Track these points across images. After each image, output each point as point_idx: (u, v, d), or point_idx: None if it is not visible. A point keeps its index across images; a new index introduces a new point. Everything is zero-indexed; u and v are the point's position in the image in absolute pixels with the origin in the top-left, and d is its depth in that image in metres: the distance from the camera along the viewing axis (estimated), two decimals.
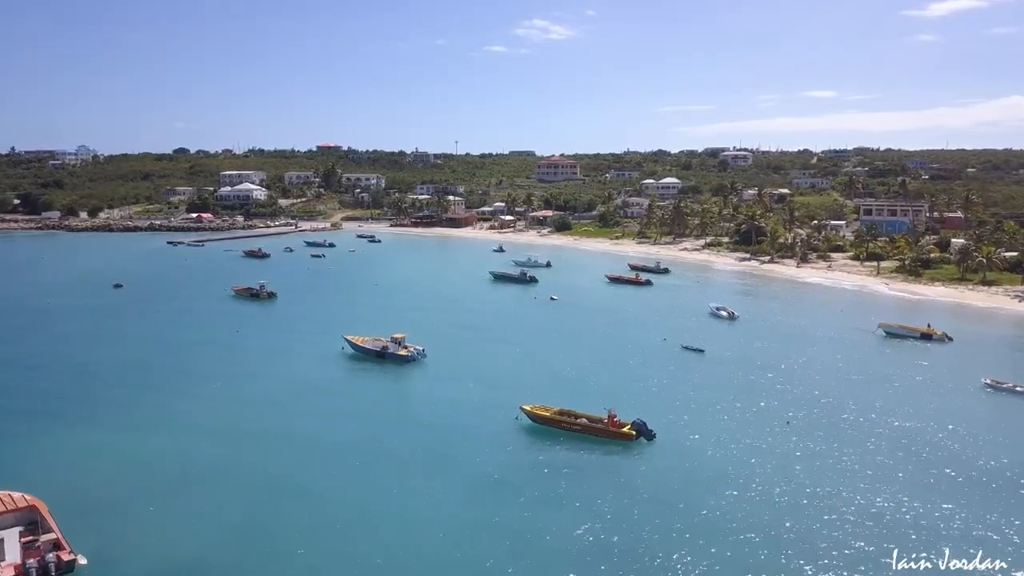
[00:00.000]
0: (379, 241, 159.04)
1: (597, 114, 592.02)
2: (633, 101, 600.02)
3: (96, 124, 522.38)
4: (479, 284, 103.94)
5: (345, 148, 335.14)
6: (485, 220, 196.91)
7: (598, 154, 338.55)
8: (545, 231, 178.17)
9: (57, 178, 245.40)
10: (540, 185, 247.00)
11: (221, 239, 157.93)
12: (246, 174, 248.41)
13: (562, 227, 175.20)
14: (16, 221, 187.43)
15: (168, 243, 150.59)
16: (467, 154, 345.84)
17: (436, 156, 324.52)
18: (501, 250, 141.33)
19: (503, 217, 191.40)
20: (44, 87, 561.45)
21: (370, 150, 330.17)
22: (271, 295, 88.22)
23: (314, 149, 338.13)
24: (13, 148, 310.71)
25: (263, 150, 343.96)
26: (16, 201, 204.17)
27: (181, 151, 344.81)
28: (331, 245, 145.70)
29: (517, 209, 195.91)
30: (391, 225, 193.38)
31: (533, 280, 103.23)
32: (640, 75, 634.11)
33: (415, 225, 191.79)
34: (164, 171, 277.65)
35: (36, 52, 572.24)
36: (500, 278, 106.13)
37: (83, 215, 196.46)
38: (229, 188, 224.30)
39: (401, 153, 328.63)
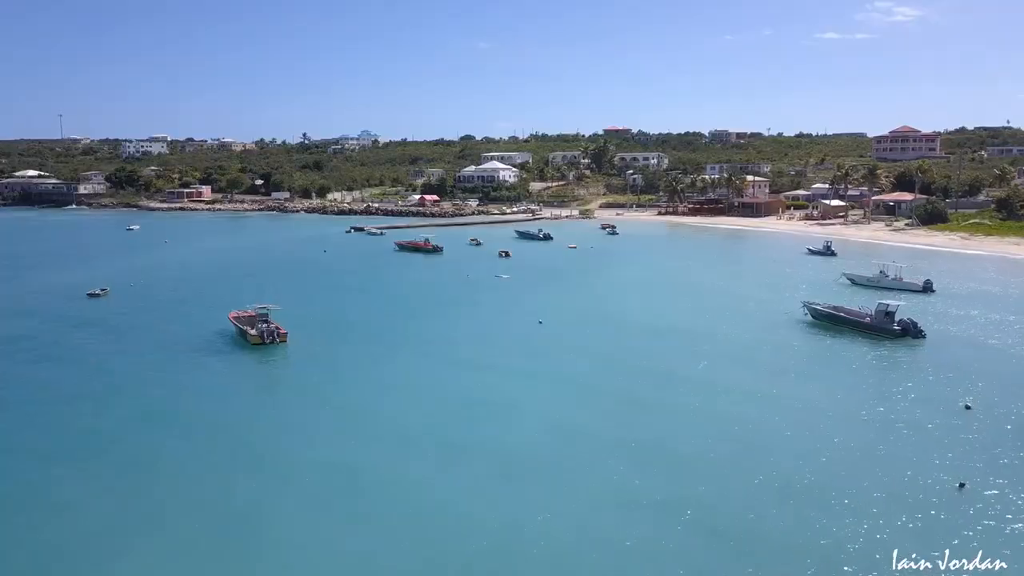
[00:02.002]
0: (617, 233, 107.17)
1: (951, 88, 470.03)
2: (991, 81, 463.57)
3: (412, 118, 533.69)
4: (781, 333, 47.95)
5: (635, 131, 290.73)
6: (798, 207, 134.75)
7: (963, 128, 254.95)
8: (901, 223, 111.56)
9: (319, 160, 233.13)
10: (882, 164, 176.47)
11: (410, 227, 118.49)
12: (508, 155, 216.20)
13: (932, 218, 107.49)
14: (242, 201, 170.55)
15: (353, 228, 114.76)
16: (780, 134, 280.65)
17: (739, 135, 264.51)
18: (829, 252, 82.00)
19: (826, 202, 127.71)
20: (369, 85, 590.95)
21: (663, 132, 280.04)
22: (277, 337, 42.53)
23: (600, 132, 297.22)
24: (304, 135, 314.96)
25: (545, 135, 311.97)
26: (259, 182, 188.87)
27: (467, 138, 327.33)
28: (547, 237, 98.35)
29: (851, 192, 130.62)
30: (659, 213, 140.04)
31: (911, 331, 44.28)
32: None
33: (693, 212, 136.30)
34: (433, 155, 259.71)
35: (355, 52, 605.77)
36: (826, 319, 48.81)
37: (315, 197, 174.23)
38: (473, 168, 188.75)
39: (696, 134, 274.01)
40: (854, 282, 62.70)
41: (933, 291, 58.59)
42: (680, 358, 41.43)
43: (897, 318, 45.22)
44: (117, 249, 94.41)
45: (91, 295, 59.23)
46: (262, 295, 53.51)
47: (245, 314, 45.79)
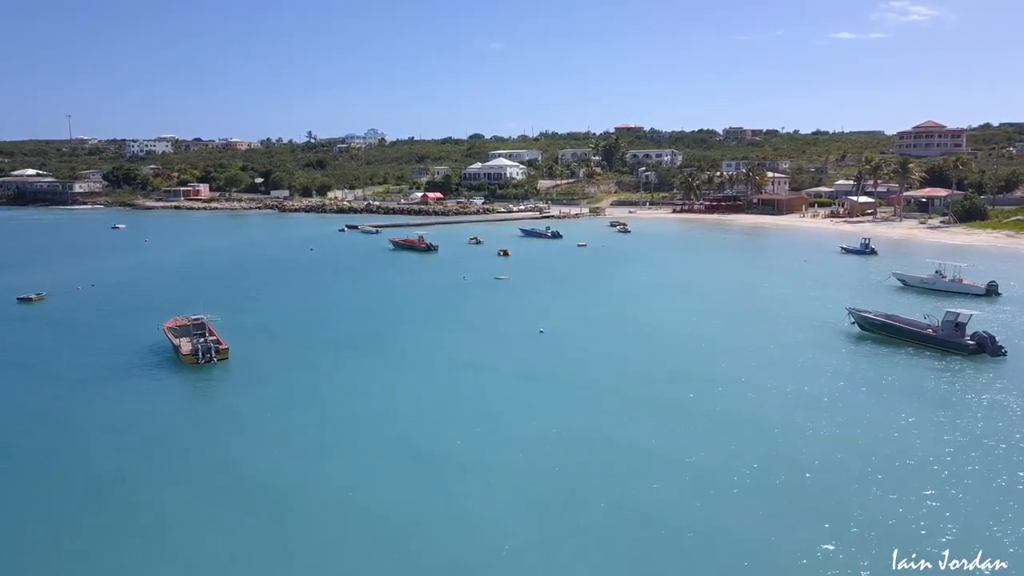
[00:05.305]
0: (629, 231, 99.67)
1: (967, 87, 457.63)
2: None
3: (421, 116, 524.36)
4: (825, 346, 40.40)
5: (647, 129, 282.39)
6: (822, 204, 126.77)
7: (988, 124, 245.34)
8: (935, 221, 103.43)
9: (321, 158, 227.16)
10: (910, 160, 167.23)
11: (408, 225, 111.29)
12: (517, 153, 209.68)
13: (970, 215, 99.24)
14: (240, 200, 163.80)
15: (346, 227, 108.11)
16: (796, 131, 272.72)
17: (754, 133, 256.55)
18: (868, 251, 74.10)
19: (852, 199, 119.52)
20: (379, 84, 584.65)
21: (676, 130, 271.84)
22: (213, 356, 35.29)
23: (611, 131, 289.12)
24: (310, 133, 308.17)
25: (555, 133, 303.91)
26: (259, 180, 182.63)
27: (475, 137, 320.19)
28: (556, 235, 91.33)
29: (879, 189, 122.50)
30: (675, 211, 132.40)
31: (989, 348, 36.37)
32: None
33: (710, 210, 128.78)
34: (441, 153, 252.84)
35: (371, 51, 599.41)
36: (879, 329, 41.05)
37: (316, 196, 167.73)
38: (479, 165, 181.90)
39: (710, 131, 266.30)
40: (906, 284, 54.84)
41: (999, 295, 50.62)
42: (704, 377, 33.95)
43: (970, 330, 37.51)
44: (91, 249, 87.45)
45: (22, 300, 51.97)
46: (221, 301, 46.31)
47: (182, 323, 38.29)
